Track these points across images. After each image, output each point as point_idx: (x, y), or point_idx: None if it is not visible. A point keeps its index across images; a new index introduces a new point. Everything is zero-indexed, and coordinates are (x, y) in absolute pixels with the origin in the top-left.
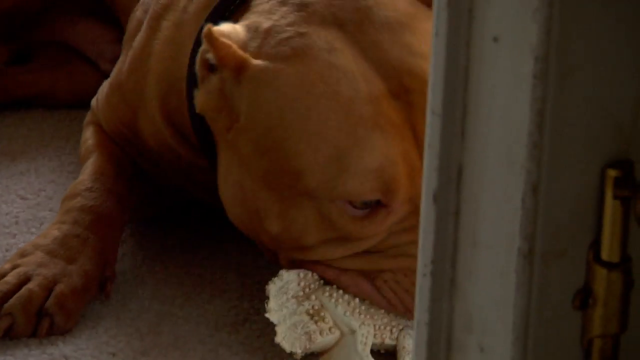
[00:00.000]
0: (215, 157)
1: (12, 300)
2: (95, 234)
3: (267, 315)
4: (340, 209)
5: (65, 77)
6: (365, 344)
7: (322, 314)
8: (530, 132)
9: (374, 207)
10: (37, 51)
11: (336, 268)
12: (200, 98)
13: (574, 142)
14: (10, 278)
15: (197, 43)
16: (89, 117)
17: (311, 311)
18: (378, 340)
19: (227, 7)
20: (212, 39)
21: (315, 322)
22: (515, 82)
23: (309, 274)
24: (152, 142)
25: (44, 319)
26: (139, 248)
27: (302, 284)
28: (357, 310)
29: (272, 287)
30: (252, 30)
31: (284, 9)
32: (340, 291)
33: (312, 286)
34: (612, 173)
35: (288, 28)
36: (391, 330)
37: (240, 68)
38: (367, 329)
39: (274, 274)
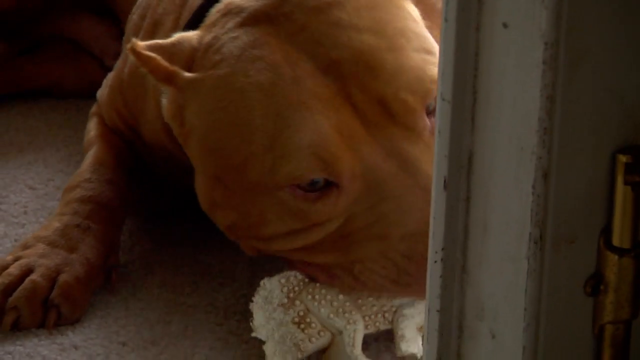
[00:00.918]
0: None
1: (16, 293)
2: (95, 223)
3: (253, 334)
4: (291, 195)
5: (72, 69)
6: (352, 345)
7: (308, 319)
8: (541, 118)
9: (325, 187)
10: (43, 44)
11: (313, 265)
12: (165, 107)
13: (584, 128)
14: (13, 270)
15: None
16: (94, 108)
17: (297, 319)
18: (372, 330)
19: (200, 19)
20: (136, 53)
21: (303, 330)
22: (526, 68)
23: (291, 276)
24: (151, 143)
25: (51, 310)
26: (148, 238)
27: (286, 289)
28: (341, 309)
29: (257, 300)
30: (199, 43)
31: (224, 19)
32: (324, 290)
33: (296, 289)
34: (622, 159)
35: (223, 36)
36: (384, 316)
37: (170, 80)
38: (354, 327)
39: (282, 262)
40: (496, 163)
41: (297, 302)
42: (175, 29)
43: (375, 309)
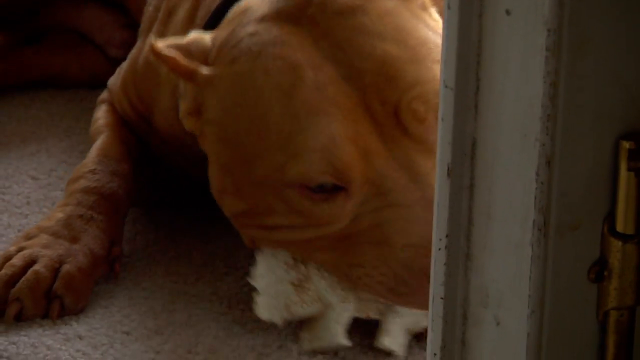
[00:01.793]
0: None
1: (19, 285)
2: (99, 214)
3: (250, 280)
4: (298, 194)
5: (75, 59)
6: (338, 322)
7: (307, 285)
8: (544, 105)
9: (333, 190)
10: (46, 35)
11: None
12: (182, 107)
13: (587, 114)
14: (16, 260)
15: None
16: (104, 94)
17: (296, 281)
18: (362, 315)
19: (218, 18)
20: (158, 55)
21: (298, 294)
22: (528, 54)
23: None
24: (165, 134)
25: (54, 301)
26: (151, 227)
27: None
28: (340, 286)
29: (265, 250)
30: (214, 41)
31: (241, 17)
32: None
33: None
34: (626, 145)
35: (240, 32)
36: (377, 305)
37: (190, 76)
38: (346, 307)
39: None
40: (499, 150)
41: (302, 266)
42: (188, 19)
43: (371, 296)
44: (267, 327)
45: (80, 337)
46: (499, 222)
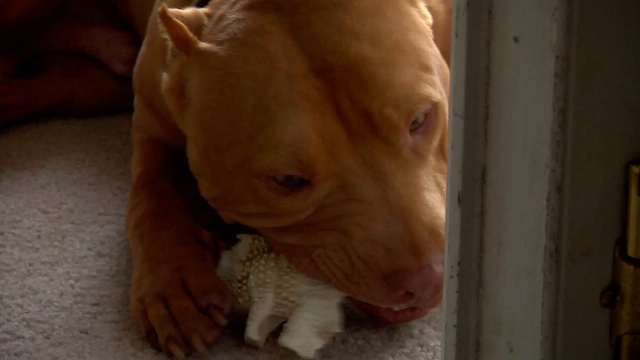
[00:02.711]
0: None
1: (183, 323)
2: (163, 228)
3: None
4: (266, 185)
5: (82, 85)
6: (252, 319)
7: (245, 282)
8: (554, 132)
9: (298, 183)
10: (49, 61)
11: (281, 243)
12: (165, 80)
13: (597, 140)
14: (155, 310)
15: None
16: (133, 135)
17: (240, 278)
18: (278, 313)
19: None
20: (166, 18)
21: (239, 289)
22: (537, 81)
23: (261, 240)
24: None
25: (211, 311)
26: None
27: (249, 249)
28: (263, 284)
29: (233, 249)
30: (209, 17)
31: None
32: (272, 263)
33: (256, 252)
34: (636, 170)
35: (231, 16)
36: (291, 308)
37: (188, 48)
38: (263, 305)
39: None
40: (510, 177)
41: (249, 264)
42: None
43: (287, 294)
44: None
45: None
46: (510, 249)
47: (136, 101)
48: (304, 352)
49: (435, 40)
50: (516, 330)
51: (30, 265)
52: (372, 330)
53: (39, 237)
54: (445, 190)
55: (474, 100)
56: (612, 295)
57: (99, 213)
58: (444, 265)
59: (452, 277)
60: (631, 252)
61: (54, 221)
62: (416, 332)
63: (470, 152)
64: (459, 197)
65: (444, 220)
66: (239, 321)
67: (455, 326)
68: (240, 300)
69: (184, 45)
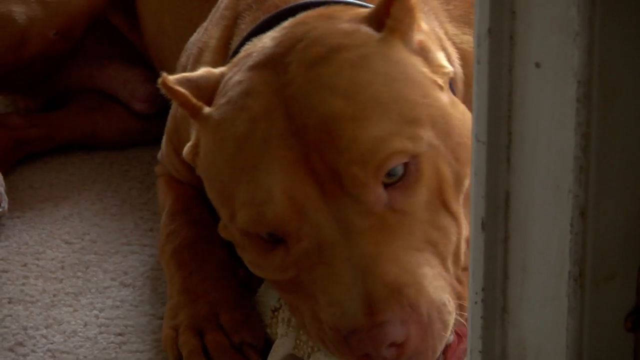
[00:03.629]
0: None
1: (217, 356)
2: (201, 259)
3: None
4: (250, 240)
5: (103, 119)
6: (273, 354)
7: (277, 313)
8: (576, 157)
9: (277, 241)
10: (71, 96)
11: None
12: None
13: (620, 164)
14: (186, 337)
15: None
16: (158, 170)
17: (273, 308)
18: (299, 354)
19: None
20: (167, 88)
21: (271, 319)
22: (559, 106)
23: None
24: None
25: (245, 349)
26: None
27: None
28: (292, 323)
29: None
30: (223, 77)
31: (245, 59)
32: None
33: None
34: None
35: (235, 77)
36: (309, 350)
37: (195, 114)
38: (284, 341)
39: None
40: (533, 203)
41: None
42: (221, 48)
43: (307, 337)
44: None
45: None
46: (534, 274)
47: (164, 144)
48: None
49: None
50: (541, 355)
51: (54, 295)
52: None
53: (62, 267)
54: (439, 246)
55: (496, 126)
56: (636, 320)
57: (121, 243)
58: (405, 324)
59: (476, 302)
60: None
61: (77, 252)
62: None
63: (493, 178)
64: (482, 223)
65: (419, 279)
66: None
67: (480, 352)
68: (269, 330)
69: (190, 110)
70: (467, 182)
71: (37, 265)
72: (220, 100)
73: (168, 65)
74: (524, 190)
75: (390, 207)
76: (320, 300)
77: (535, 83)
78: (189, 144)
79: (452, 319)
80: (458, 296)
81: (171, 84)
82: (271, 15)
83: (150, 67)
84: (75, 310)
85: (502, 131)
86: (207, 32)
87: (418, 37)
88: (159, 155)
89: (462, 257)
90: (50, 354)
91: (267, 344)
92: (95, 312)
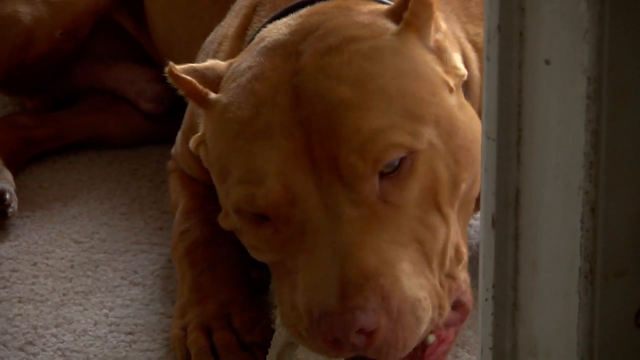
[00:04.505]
0: None
1: (224, 355)
2: (215, 258)
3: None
4: (243, 219)
5: (112, 119)
6: (272, 347)
7: (276, 310)
8: (586, 153)
9: (267, 221)
10: (79, 97)
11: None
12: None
13: (630, 160)
14: (194, 336)
15: None
16: (170, 165)
17: (277, 304)
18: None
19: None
20: (173, 76)
21: (274, 314)
22: (569, 103)
23: None
24: None
25: (253, 349)
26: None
27: None
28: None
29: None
30: (228, 69)
31: (255, 46)
32: None
33: None
34: None
35: (243, 64)
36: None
37: (201, 102)
38: (282, 332)
39: None
40: (543, 199)
41: None
42: (238, 38)
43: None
44: None
45: None
46: (545, 271)
47: (179, 142)
48: None
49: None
50: (552, 352)
51: (64, 295)
52: None
53: (72, 266)
54: (426, 245)
55: (506, 123)
56: None
57: (131, 242)
58: (375, 313)
59: (486, 299)
60: None
61: (86, 251)
62: (449, 356)
63: (503, 174)
64: (492, 220)
65: (397, 272)
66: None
67: (490, 349)
68: (273, 326)
69: (196, 98)
70: (463, 186)
71: (47, 265)
72: (230, 85)
73: (178, 64)
74: (534, 187)
75: (382, 198)
76: (299, 285)
77: (545, 80)
78: (196, 135)
79: (426, 316)
80: (438, 297)
81: (177, 73)
82: (290, 5)
83: (158, 66)
84: (85, 309)
85: (512, 128)
86: (226, 23)
87: (436, 36)
88: (173, 151)
89: (447, 263)
90: (60, 353)
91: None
92: (105, 310)
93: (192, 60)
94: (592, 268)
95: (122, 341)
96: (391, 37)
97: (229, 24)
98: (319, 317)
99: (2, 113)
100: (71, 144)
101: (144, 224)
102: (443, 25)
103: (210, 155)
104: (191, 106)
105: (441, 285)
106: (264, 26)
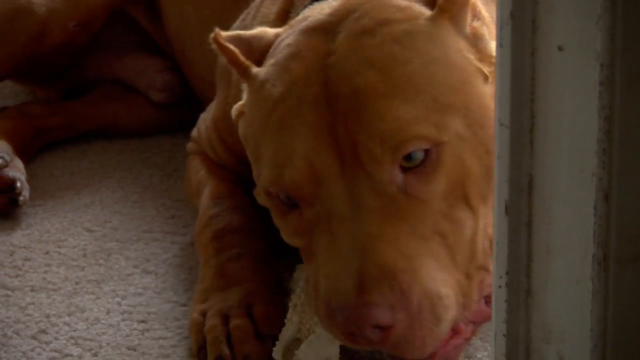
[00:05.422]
0: None
1: (238, 344)
2: (241, 247)
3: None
4: (270, 200)
5: (124, 108)
6: (279, 340)
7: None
8: (600, 140)
9: (294, 205)
10: (90, 86)
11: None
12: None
13: None
14: (213, 321)
15: None
16: (192, 147)
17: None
18: (303, 338)
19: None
20: (218, 43)
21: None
22: (582, 90)
23: None
24: None
25: (266, 340)
26: None
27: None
28: (296, 308)
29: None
30: (275, 39)
31: (299, 23)
32: None
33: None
34: None
35: (286, 40)
36: (308, 330)
37: (244, 72)
38: (288, 326)
39: None
40: (557, 186)
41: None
42: (280, 18)
43: (307, 319)
44: None
45: None
46: (558, 257)
47: (207, 129)
48: None
49: None
50: (565, 338)
51: (77, 283)
52: None
53: (84, 255)
54: (449, 238)
55: (519, 109)
56: None
57: (143, 230)
58: (392, 309)
59: (500, 286)
60: None
61: (98, 239)
62: None
63: (516, 161)
64: (505, 207)
65: (417, 266)
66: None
67: (504, 335)
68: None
69: (239, 69)
70: None
71: (59, 253)
72: (269, 61)
73: (191, 55)
74: (548, 173)
75: (404, 190)
76: (321, 271)
77: (558, 66)
78: (238, 103)
79: (448, 314)
80: (463, 293)
81: (222, 41)
82: None
83: (168, 57)
84: (98, 298)
85: (525, 115)
86: (264, 10)
87: (472, 22)
88: (194, 133)
89: (480, 255)
90: (73, 341)
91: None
92: (117, 299)
93: (203, 49)
94: (605, 255)
95: (135, 329)
96: (425, 22)
97: (268, 10)
98: (335, 309)
99: (14, 102)
100: (83, 133)
101: (156, 212)
102: (483, 12)
103: (246, 130)
104: (225, 95)
105: (471, 278)
106: (307, 5)
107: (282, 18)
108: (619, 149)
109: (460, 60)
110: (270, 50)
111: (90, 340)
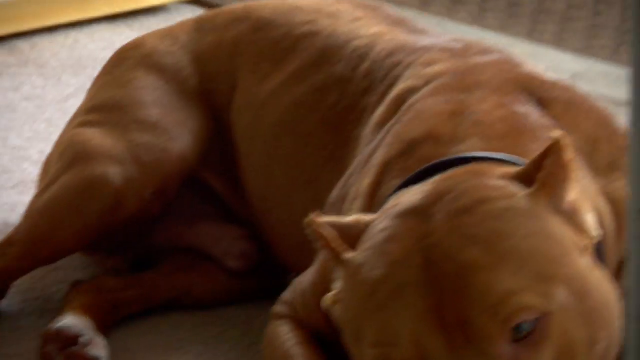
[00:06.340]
0: None
1: None
2: None
3: None
4: None
5: (199, 278)
6: None
7: None
8: None
9: None
10: (160, 257)
11: None
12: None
13: None
14: None
15: None
16: (281, 311)
17: None
18: None
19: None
20: (313, 227)
21: None
22: None
23: None
24: None
25: None
26: None
27: None
28: None
29: None
30: (370, 226)
31: (389, 210)
32: None
33: None
34: None
35: (380, 224)
36: None
37: (337, 259)
38: None
39: None
40: None
41: None
42: (369, 196)
43: None
44: None
45: None
46: None
47: (305, 296)
48: None
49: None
50: None
51: None
52: None
53: None
54: None
55: None
56: None
57: None
58: None
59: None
60: None
61: None
62: None
63: None
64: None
65: None
66: None
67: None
68: None
69: (333, 254)
70: (600, 347)
71: None
72: (364, 245)
73: (276, 214)
74: None
75: None
76: None
77: None
78: (331, 293)
79: None
80: None
81: (319, 225)
82: (422, 169)
83: (244, 224)
84: None
85: None
86: (357, 182)
87: (571, 196)
88: (288, 297)
89: None
90: None
91: None
92: None
93: (291, 211)
94: None
95: None
96: (522, 198)
97: (361, 184)
98: None
99: (84, 274)
100: (157, 305)
101: None
102: (577, 185)
103: (345, 316)
104: (321, 263)
105: None
106: (398, 190)
107: (371, 194)
108: None
109: (559, 234)
110: (364, 236)
111: None
